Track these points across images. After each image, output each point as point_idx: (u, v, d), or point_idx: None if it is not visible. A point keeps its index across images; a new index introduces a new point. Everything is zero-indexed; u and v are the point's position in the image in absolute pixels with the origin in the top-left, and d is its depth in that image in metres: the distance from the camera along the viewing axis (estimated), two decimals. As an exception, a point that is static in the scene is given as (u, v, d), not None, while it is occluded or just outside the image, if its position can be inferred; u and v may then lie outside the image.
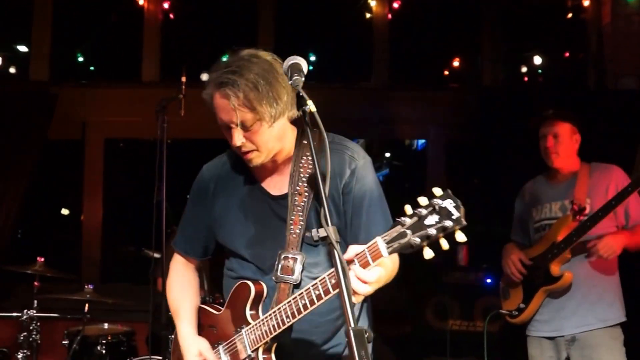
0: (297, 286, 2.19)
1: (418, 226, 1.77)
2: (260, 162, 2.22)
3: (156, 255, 5.25)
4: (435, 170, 6.51)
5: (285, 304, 2.10)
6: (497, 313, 3.86)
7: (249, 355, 2.23)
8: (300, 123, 2.19)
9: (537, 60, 6.59)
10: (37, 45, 6.56)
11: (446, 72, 6.77)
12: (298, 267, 2.19)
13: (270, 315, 2.15)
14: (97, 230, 6.36)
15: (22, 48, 6.77)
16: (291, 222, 2.21)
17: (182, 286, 2.53)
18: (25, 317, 4.65)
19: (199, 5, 6.52)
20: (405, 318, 5.76)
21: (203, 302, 2.60)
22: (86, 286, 4.66)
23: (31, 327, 4.67)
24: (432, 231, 1.75)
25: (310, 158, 2.21)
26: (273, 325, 2.14)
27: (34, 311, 4.69)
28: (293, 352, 2.25)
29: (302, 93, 1.94)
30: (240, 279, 2.31)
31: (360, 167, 2.24)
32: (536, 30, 6.59)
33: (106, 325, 4.85)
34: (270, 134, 2.16)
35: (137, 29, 6.45)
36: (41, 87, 6.19)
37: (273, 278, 2.23)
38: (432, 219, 1.75)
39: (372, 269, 1.90)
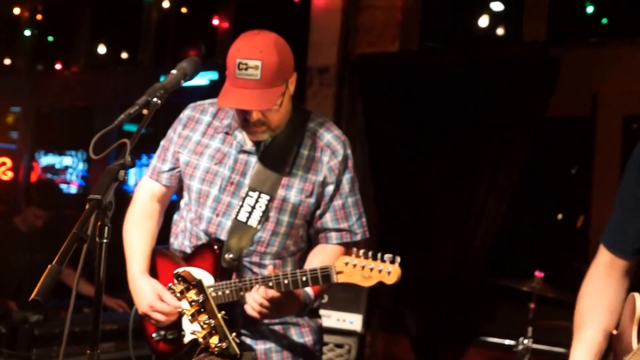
0: None
1: None
2: None
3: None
4: None
5: None
6: None
7: None
8: None
9: None
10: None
11: None
12: None
13: None
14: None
15: (514, 4, 6.05)
16: None
17: (592, 298, 2.21)
18: (520, 347, 4.27)
19: None
20: None
21: None
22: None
23: (525, 362, 4.19)
24: None
25: None
26: None
27: (530, 341, 4.23)
28: None
29: None
30: None
31: None
32: None
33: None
34: None
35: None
36: (537, 51, 5.34)
37: None
38: None
39: None
